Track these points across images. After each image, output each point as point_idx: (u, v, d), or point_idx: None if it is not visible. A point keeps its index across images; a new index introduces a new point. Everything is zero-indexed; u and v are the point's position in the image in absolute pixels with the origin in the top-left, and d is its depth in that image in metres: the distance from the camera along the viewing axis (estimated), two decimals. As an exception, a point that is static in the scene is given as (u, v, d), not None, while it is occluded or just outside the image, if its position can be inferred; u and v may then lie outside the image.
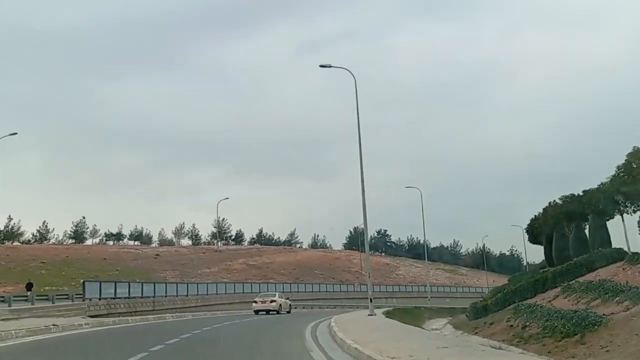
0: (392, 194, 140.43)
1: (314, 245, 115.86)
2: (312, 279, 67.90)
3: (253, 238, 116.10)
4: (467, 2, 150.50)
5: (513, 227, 75.17)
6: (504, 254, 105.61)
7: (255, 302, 33.81)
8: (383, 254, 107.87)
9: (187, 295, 42.58)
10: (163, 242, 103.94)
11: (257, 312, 32.59)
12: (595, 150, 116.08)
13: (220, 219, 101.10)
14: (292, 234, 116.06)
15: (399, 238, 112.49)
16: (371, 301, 25.08)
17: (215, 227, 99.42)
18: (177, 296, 41.31)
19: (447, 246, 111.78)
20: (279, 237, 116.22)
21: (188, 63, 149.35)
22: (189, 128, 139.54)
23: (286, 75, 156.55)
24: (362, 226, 29.16)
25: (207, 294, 45.59)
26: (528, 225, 46.11)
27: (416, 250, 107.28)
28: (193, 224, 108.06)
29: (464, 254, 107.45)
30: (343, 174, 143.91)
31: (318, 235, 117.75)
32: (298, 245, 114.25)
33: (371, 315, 24.00)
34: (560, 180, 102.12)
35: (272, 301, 33.37)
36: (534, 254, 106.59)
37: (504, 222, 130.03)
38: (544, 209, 42.61)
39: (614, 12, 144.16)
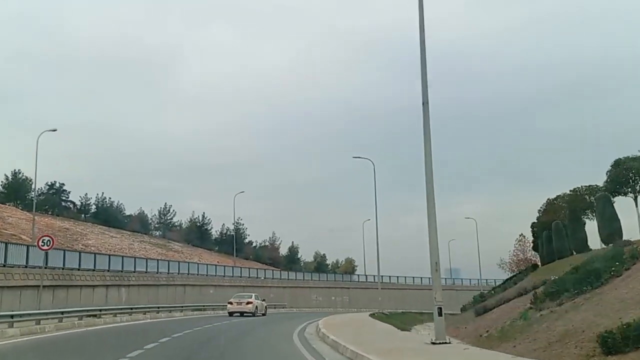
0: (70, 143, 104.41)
1: None
2: None
3: None
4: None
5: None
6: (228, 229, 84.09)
7: (231, 303, 31.53)
8: (54, 215, 73.79)
9: None
10: None
11: (231, 314, 30.65)
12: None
13: None
14: None
15: (86, 194, 79.94)
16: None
17: None
18: None
19: (148, 215, 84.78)
20: None
21: None
22: None
23: None
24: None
25: None
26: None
27: (108, 216, 77.66)
28: None
29: (177, 224, 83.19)
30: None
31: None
32: None
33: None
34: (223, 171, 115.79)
35: (248, 303, 31.32)
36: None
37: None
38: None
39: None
